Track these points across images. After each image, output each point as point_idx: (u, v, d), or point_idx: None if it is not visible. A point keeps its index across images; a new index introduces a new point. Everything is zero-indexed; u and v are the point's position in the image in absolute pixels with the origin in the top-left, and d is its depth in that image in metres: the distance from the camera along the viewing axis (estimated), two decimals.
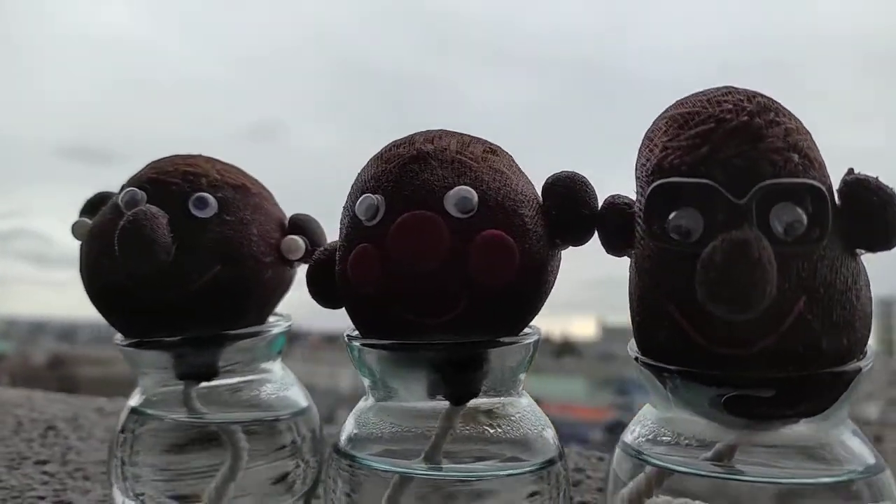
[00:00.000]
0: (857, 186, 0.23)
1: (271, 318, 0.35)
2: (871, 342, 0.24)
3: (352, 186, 0.29)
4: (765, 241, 0.21)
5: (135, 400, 0.35)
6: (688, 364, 0.24)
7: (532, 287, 0.27)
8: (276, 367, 0.36)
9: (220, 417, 0.34)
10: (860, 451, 0.24)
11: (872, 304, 0.24)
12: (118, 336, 0.34)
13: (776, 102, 0.24)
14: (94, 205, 0.35)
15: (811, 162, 0.23)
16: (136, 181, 0.32)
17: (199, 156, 0.34)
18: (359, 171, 0.29)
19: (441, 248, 0.25)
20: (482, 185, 0.26)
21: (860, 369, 0.23)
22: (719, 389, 0.23)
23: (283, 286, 0.35)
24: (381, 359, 0.28)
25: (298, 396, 0.36)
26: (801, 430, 0.24)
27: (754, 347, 0.22)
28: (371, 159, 0.29)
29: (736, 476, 0.24)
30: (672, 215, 0.23)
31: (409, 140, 0.28)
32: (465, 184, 0.26)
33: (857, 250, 0.24)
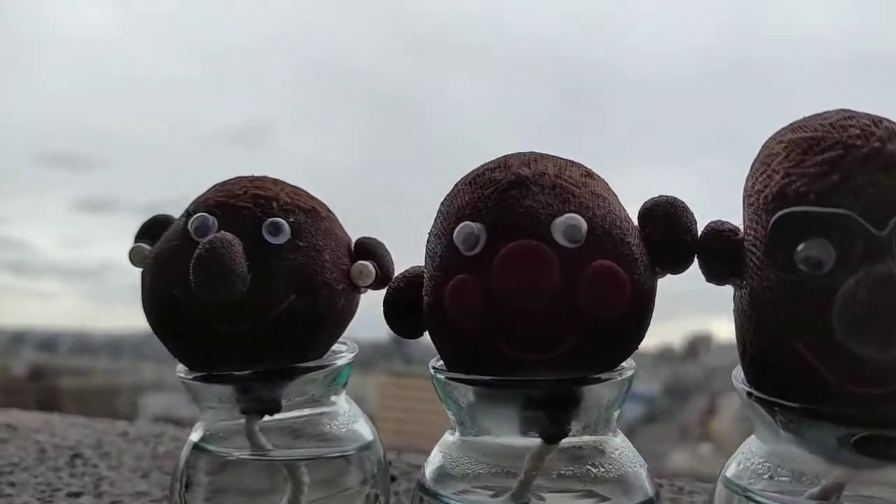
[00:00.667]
0: None
1: (335, 348, 0.34)
2: None
3: (440, 212, 0.28)
4: None
5: (196, 435, 0.33)
6: (811, 401, 0.23)
7: (639, 320, 0.26)
8: (342, 400, 0.34)
9: (285, 453, 0.33)
10: None
11: None
12: (181, 368, 0.32)
13: None
14: (150, 229, 0.33)
15: None
16: (203, 206, 0.31)
17: (266, 177, 0.32)
18: (446, 196, 0.28)
19: (551, 281, 0.24)
20: (587, 211, 0.25)
21: None
22: (850, 429, 0.22)
23: (351, 314, 0.33)
24: (474, 394, 0.27)
25: (364, 430, 0.34)
26: None
27: (891, 387, 0.21)
28: (460, 184, 0.28)
29: None
30: (801, 246, 0.22)
31: (503, 163, 0.27)
32: (570, 211, 0.25)
33: None
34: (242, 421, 0.32)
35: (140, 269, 0.32)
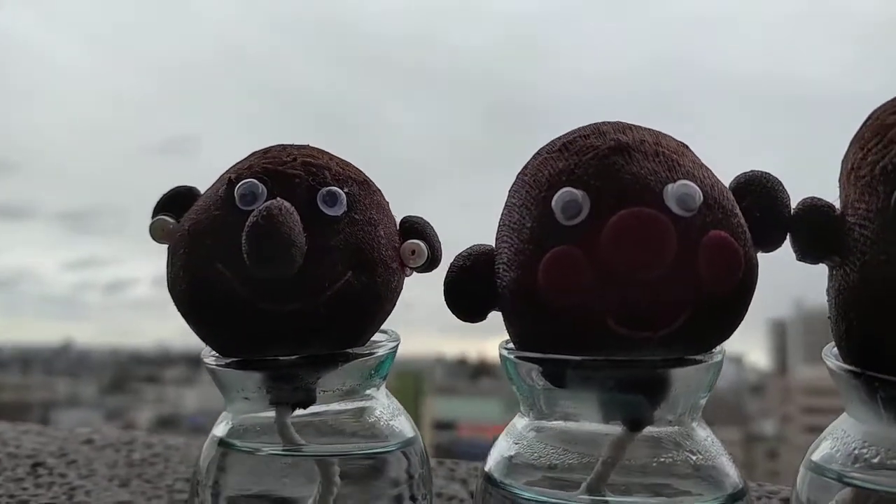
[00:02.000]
0: None
1: (375, 337, 0.31)
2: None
3: (522, 182, 0.26)
4: None
5: (221, 429, 0.30)
6: None
7: (746, 296, 0.24)
8: (381, 394, 0.31)
9: (318, 449, 0.29)
10: None
11: None
12: (207, 352, 0.29)
13: None
14: (174, 200, 0.30)
15: None
16: (249, 172, 0.27)
17: (312, 146, 0.29)
18: (525, 166, 0.26)
19: (669, 251, 0.22)
20: (696, 181, 0.23)
21: None
22: None
23: (398, 295, 0.30)
24: (567, 373, 0.24)
25: (405, 426, 0.31)
26: None
27: None
28: (546, 152, 0.25)
29: None
30: None
31: (595, 130, 0.25)
32: (681, 178, 0.23)
33: None
34: (272, 415, 0.29)
35: (165, 245, 0.29)
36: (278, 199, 0.25)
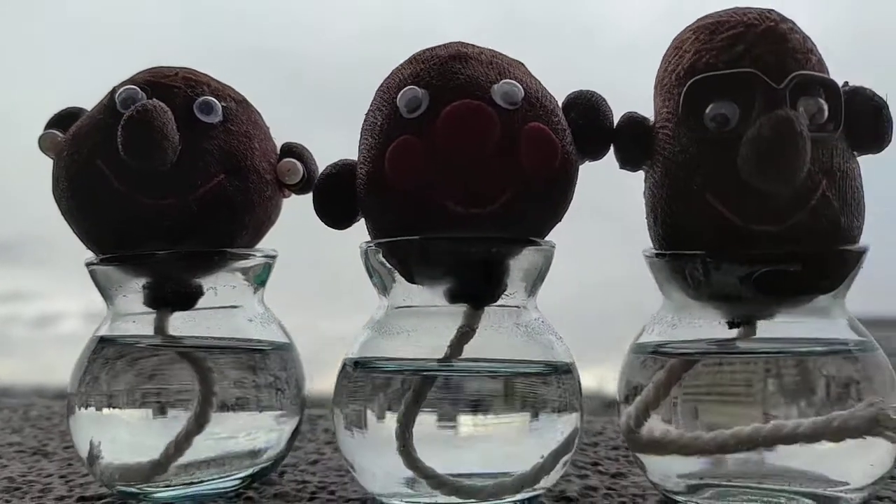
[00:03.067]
0: (856, 93, 0.26)
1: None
2: None
3: (378, 90, 0.29)
4: (804, 119, 0.24)
5: (103, 329, 0.31)
6: (718, 247, 0.26)
7: (564, 188, 0.28)
8: (256, 302, 0.33)
9: (197, 342, 0.31)
10: (858, 327, 0.27)
11: None
12: (89, 256, 0.31)
13: (790, 18, 0.27)
14: (64, 118, 0.32)
15: (823, 64, 0.26)
16: (130, 82, 0.30)
17: (191, 69, 0.32)
18: (384, 79, 0.29)
19: (493, 136, 0.25)
20: (522, 83, 0.27)
21: (867, 248, 0.26)
22: (752, 267, 0.25)
23: (275, 214, 0.33)
24: (411, 254, 0.27)
25: (279, 334, 0.34)
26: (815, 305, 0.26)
27: (787, 222, 0.25)
28: (400, 65, 0.29)
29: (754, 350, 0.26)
30: (710, 107, 0.25)
31: (443, 45, 0.29)
32: (508, 79, 0.27)
33: (855, 153, 0.27)
34: (152, 315, 0.31)
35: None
36: (154, 99, 0.28)
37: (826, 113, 0.25)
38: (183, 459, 0.29)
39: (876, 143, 0.27)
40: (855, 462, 0.26)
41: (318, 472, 0.35)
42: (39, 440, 0.43)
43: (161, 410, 0.30)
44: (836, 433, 0.25)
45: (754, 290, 0.25)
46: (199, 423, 0.30)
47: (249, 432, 0.31)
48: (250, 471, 0.31)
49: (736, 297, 0.26)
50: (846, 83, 0.27)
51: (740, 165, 0.24)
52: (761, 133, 0.23)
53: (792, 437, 0.25)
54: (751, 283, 0.25)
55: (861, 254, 0.26)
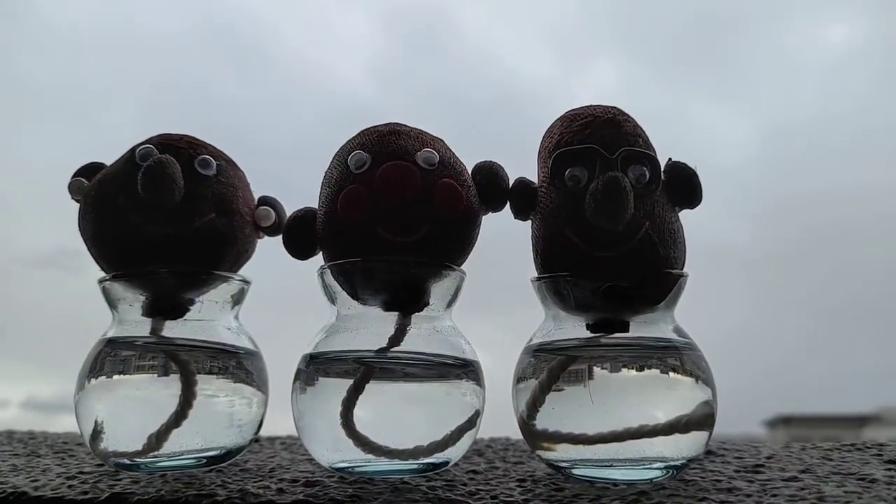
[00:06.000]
0: (676, 166, 0.37)
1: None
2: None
3: (333, 161, 0.39)
4: (627, 179, 0.34)
5: (110, 333, 0.40)
6: (576, 269, 0.36)
7: (468, 230, 0.38)
8: (232, 318, 0.42)
9: (186, 341, 0.39)
10: (683, 332, 0.37)
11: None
12: (101, 276, 0.39)
13: (628, 113, 0.38)
14: (86, 170, 0.41)
15: (649, 146, 0.37)
16: (147, 143, 0.40)
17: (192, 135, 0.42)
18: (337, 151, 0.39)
19: (415, 187, 0.35)
20: (439, 152, 0.38)
21: (684, 275, 0.36)
22: (599, 283, 0.35)
23: (251, 249, 0.42)
24: (356, 272, 0.37)
25: (250, 345, 0.42)
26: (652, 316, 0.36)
27: (621, 249, 0.35)
28: (348, 141, 0.39)
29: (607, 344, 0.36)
30: (567, 171, 0.36)
31: (383, 124, 0.39)
32: (428, 148, 0.37)
33: (675, 207, 0.38)
34: (150, 321, 0.39)
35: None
36: (167, 154, 0.38)
37: (648, 176, 0.36)
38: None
39: (689, 200, 0.37)
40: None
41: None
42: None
43: (164, 372, 0.38)
44: (685, 428, 0.34)
45: (603, 301, 0.35)
46: (177, 420, 0.38)
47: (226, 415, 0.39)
48: (219, 452, 0.39)
49: (592, 306, 0.36)
50: (670, 159, 0.38)
51: (587, 209, 0.34)
52: (598, 187, 0.34)
53: (653, 432, 0.34)
54: (600, 294, 0.35)
55: (679, 277, 0.36)
